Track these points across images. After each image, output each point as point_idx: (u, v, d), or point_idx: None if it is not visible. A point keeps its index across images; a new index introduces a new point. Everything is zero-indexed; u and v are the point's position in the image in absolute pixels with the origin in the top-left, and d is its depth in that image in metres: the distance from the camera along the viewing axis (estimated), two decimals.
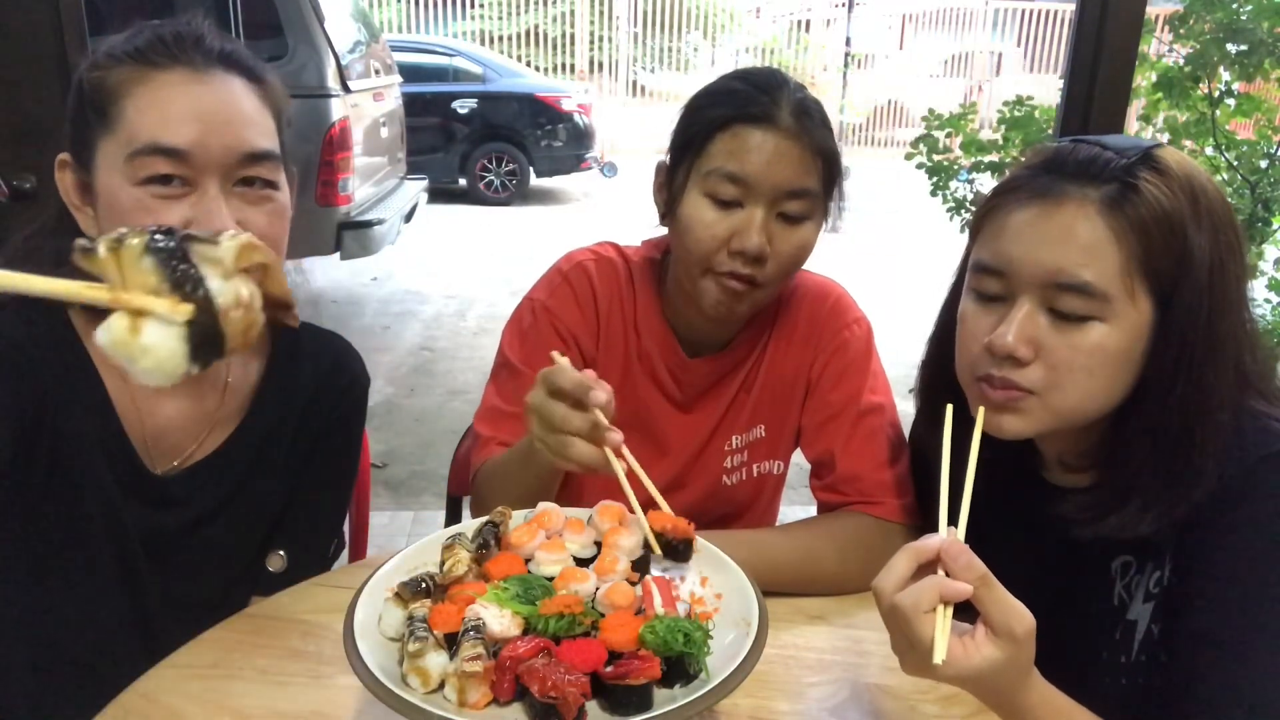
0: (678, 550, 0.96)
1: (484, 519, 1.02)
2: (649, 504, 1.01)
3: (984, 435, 1.07)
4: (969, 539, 1.25)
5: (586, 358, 1.37)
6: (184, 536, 1.17)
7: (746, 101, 1.22)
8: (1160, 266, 0.92)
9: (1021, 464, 1.13)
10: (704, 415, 1.42)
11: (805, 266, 1.39)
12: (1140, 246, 0.92)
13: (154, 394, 1.13)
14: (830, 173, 1.26)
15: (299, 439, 1.24)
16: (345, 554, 1.68)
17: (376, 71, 6.58)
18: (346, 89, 5.59)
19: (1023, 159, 1.06)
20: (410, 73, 8.38)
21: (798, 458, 1.47)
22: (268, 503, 1.23)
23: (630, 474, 1.01)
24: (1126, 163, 0.94)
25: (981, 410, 1.00)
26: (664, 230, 1.35)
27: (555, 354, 1.08)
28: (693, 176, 1.25)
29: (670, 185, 1.29)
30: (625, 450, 1.02)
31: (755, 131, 1.21)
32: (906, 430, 1.36)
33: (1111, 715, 0.88)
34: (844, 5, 10.92)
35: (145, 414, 1.13)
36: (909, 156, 4.12)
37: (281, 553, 1.23)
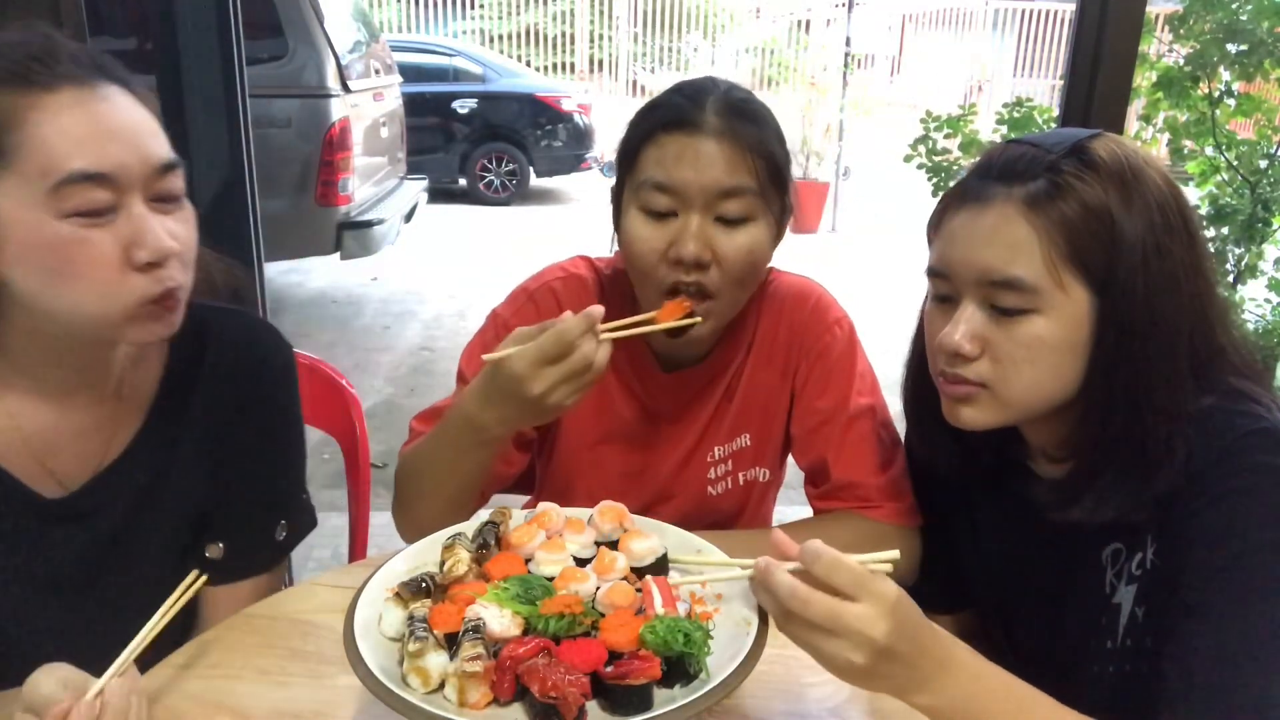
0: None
1: (484, 520, 1.03)
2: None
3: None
4: (960, 532, 1.26)
5: None
6: (109, 544, 1.13)
7: (672, 110, 1.21)
8: (1090, 256, 0.95)
9: (1010, 457, 1.14)
10: (685, 428, 1.39)
11: (799, 269, 1.37)
12: (1065, 239, 0.95)
13: (33, 416, 1.07)
14: (773, 170, 1.22)
15: (212, 426, 1.18)
16: (345, 554, 1.68)
17: (376, 71, 6.58)
18: (346, 89, 5.59)
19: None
20: (410, 73, 8.38)
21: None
22: (189, 495, 1.18)
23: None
24: (1052, 159, 0.97)
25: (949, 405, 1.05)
26: None
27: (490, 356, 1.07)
28: (626, 192, 1.25)
29: (615, 202, 1.29)
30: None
31: (678, 137, 1.19)
32: (900, 428, 1.35)
33: (1103, 704, 0.89)
34: (844, 5, 10.88)
35: (28, 438, 1.07)
36: (908, 158, 4.12)
37: (221, 544, 1.19)
